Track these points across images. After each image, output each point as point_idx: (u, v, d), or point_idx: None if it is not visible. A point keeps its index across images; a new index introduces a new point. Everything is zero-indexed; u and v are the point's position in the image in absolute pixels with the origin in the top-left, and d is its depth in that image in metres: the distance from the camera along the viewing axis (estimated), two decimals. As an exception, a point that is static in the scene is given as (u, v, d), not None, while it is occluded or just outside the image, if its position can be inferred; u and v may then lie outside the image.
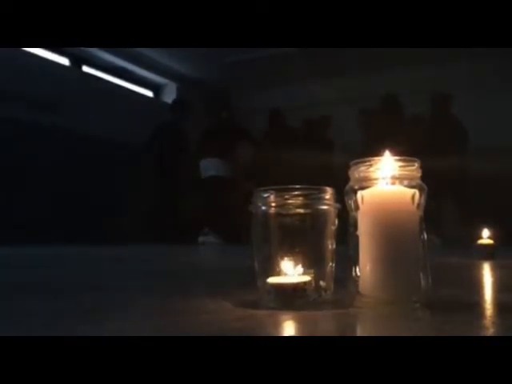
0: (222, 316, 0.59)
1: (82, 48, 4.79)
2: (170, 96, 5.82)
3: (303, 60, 4.72)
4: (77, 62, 4.92)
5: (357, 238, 0.67)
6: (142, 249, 2.97)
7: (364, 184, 0.67)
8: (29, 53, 4.33)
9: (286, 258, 0.65)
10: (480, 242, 1.68)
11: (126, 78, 5.47)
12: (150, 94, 5.87)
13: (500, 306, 0.69)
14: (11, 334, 0.49)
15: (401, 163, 0.67)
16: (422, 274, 0.65)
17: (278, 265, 0.65)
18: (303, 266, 0.65)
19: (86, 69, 5.04)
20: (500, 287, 1.00)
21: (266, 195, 0.67)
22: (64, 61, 4.79)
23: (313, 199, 0.66)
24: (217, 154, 4.05)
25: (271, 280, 0.65)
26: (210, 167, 4.06)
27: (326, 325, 0.57)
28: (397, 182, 0.66)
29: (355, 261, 0.67)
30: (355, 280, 0.67)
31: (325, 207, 0.66)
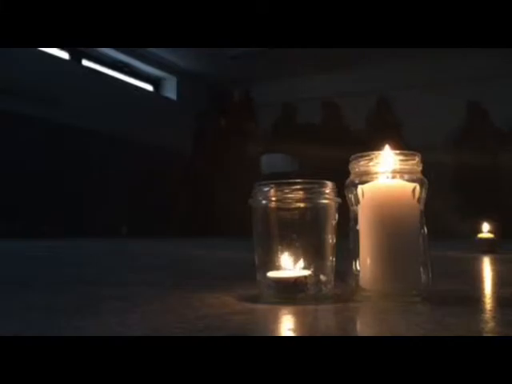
0: (222, 310, 0.59)
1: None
2: (170, 90, 5.81)
3: (305, 53, 4.70)
4: (76, 55, 4.91)
5: (357, 232, 0.67)
6: (142, 243, 2.97)
7: (364, 178, 0.67)
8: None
9: (286, 252, 0.65)
10: (480, 235, 1.69)
11: (126, 72, 5.45)
12: (149, 88, 5.85)
13: (500, 299, 0.69)
14: (9, 332, 0.49)
15: (401, 157, 0.66)
16: (422, 268, 0.65)
17: (278, 259, 0.65)
18: (303, 260, 0.65)
19: (85, 63, 5.02)
20: (500, 281, 1.00)
21: (266, 189, 0.67)
22: (64, 55, 4.78)
23: (313, 193, 0.66)
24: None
25: (271, 274, 0.65)
26: (273, 163, 3.97)
27: (327, 319, 0.57)
28: (397, 175, 0.66)
29: (356, 255, 0.67)
30: (355, 274, 0.67)
31: (325, 201, 0.66)
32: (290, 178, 0.66)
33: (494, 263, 1.36)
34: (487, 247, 1.63)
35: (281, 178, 0.67)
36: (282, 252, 0.65)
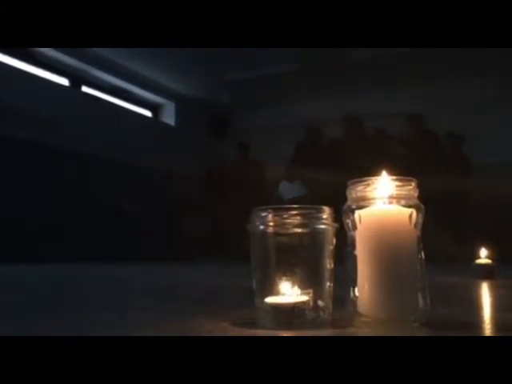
0: (220, 335, 0.59)
1: (82, 68, 4.83)
2: (168, 116, 5.86)
3: (303, 79, 4.76)
4: (76, 82, 4.96)
5: (355, 257, 0.67)
6: (143, 267, 2.95)
7: (361, 203, 0.67)
8: (29, 73, 4.37)
9: (284, 278, 0.65)
10: (478, 261, 1.68)
11: (125, 98, 5.51)
12: (148, 113, 5.90)
13: (499, 325, 0.69)
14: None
15: (398, 183, 0.67)
16: (420, 294, 0.65)
17: (276, 284, 0.65)
18: (301, 286, 0.64)
19: (85, 89, 5.07)
20: (499, 307, 1.00)
21: (264, 214, 0.67)
22: (64, 81, 4.83)
23: (311, 218, 0.66)
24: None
25: (269, 299, 0.64)
26: (291, 189, 3.98)
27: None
28: (394, 201, 0.66)
29: (353, 280, 0.67)
30: (353, 300, 0.67)
31: (323, 226, 0.67)
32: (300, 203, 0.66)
33: (492, 289, 1.36)
34: (485, 273, 1.62)
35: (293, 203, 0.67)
36: (280, 277, 0.65)
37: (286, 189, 3.99)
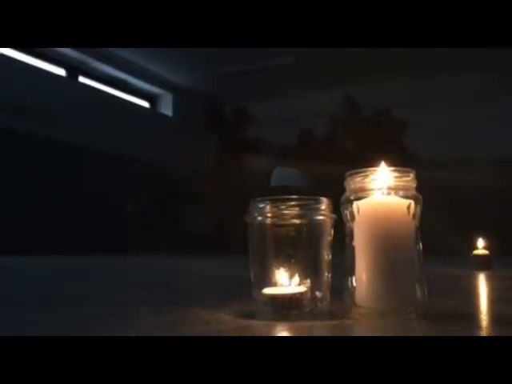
0: (217, 327, 0.59)
1: (78, 58, 4.80)
2: (165, 107, 5.84)
3: (300, 72, 4.74)
4: (73, 72, 4.93)
5: (353, 248, 0.67)
6: (142, 259, 2.95)
7: (360, 194, 0.67)
8: (25, 63, 4.34)
9: (282, 269, 0.65)
10: (475, 252, 1.68)
11: (122, 89, 5.47)
12: (145, 104, 5.87)
13: (496, 316, 0.69)
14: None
15: (396, 174, 0.67)
16: (417, 285, 0.65)
17: (274, 275, 0.65)
18: (299, 277, 0.64)
19: (82, 79, 5.04)
20: (496, 298, 1.00)
21: (261, 205, 0.67)
22: (60, 71, 4.80)
23: (309, 209, 0.66)
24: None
25: (267, 291, 0.65)
26: (285, 176, 3.86)
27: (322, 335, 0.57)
28: (392, 192, 0.66)
29: (351, 271, 0.67)
30: (351, 291, 0.67)
31: (321, 217, 0.66)
32: (303, 194, 0.66)
33: (489, 280, 1.36)
34: (482, 264, 1.63)
35: (292, 193, 0.67)
36: (278, 268, 0.65)
37: (281, 175, 3.87)
